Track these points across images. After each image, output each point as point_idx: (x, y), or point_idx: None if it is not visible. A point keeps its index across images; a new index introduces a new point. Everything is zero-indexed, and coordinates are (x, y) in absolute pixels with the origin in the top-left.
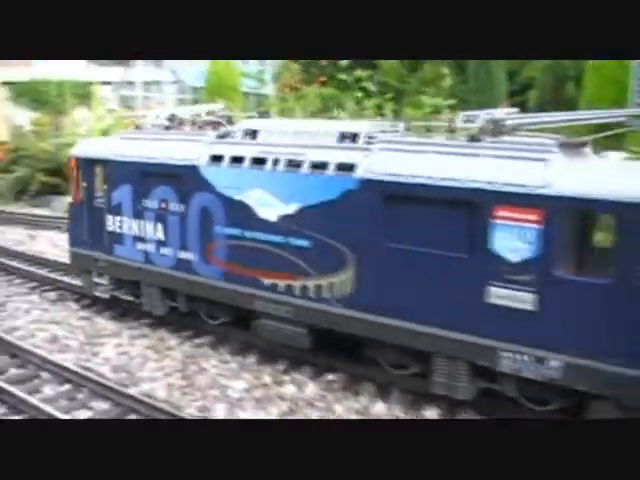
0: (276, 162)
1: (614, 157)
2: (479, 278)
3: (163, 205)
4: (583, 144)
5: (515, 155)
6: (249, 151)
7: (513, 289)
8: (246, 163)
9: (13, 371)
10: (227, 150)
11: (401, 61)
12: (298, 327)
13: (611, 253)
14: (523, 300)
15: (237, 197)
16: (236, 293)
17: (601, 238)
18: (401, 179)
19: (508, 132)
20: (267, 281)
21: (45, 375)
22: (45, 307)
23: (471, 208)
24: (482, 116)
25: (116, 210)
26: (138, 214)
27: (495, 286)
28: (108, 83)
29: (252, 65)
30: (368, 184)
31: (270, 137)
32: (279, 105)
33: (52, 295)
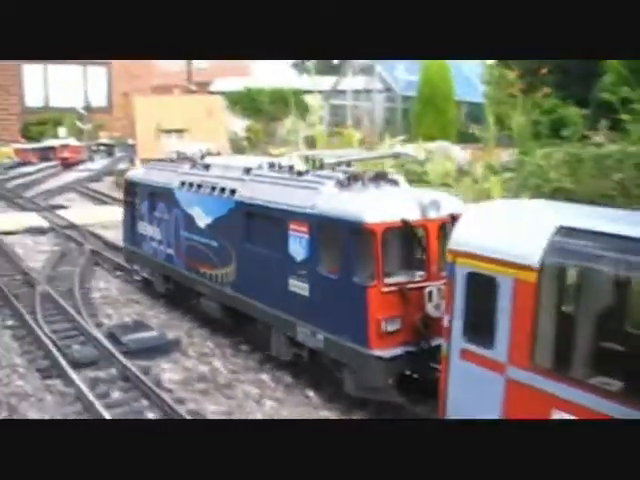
0: (205, 188)
1: (400, 188)
2: (285, 272)
3: (161, 215)
4: (372, 176)
5: (305, 185)
6: (196, 179)
7: (299, 280)
8: (194, 188)
9: None
10: (187, 178)
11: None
12: (213, 303)
13: (341, 256)
14: (303, 289)
15: (189, 211)
16: (190, 279)
17: None
18: (251, 201)
19: (332, 167)
20: (202, 270)
21: None
22: (279, 395)
23: (280, 223)
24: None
25: (142, 218)
26: (151, 221)
27: (291, 278)
28: (319, 92)
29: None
30: (239, 204)
31: (214, 169)
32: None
33: (287, 378)
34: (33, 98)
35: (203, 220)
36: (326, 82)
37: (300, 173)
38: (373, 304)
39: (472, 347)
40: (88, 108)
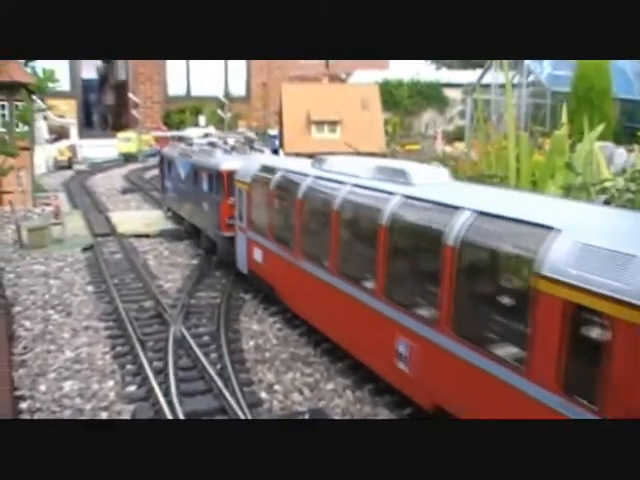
0: (185, 156)
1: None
2: (201, 199)
3: (171, 174)
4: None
5: (211, 152)
6: (183, 152)
7: (205, 202)
8: (182, 156)
9: None
10: (181, 151)
11: None
12: (186, 222)
13: (213, 188)
14: (206, 206)
15: (179, 171)
16: (181, 210)
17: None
18: (194, 162)
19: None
20: (183, 204)
21: None
22: None
23: (200, 173)
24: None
25: (165, 177)
26: (168, 178)
27: (203, 202)
28: (459, 86)
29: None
30: (191, 164)
31: (194, 146)
32: None
33: None
34: (176, 87)
35: (183, 175)
36: (468, 75)
37: (215, 146)
38: (222, 210)
39: (239, 223)
40: (228, 97)
